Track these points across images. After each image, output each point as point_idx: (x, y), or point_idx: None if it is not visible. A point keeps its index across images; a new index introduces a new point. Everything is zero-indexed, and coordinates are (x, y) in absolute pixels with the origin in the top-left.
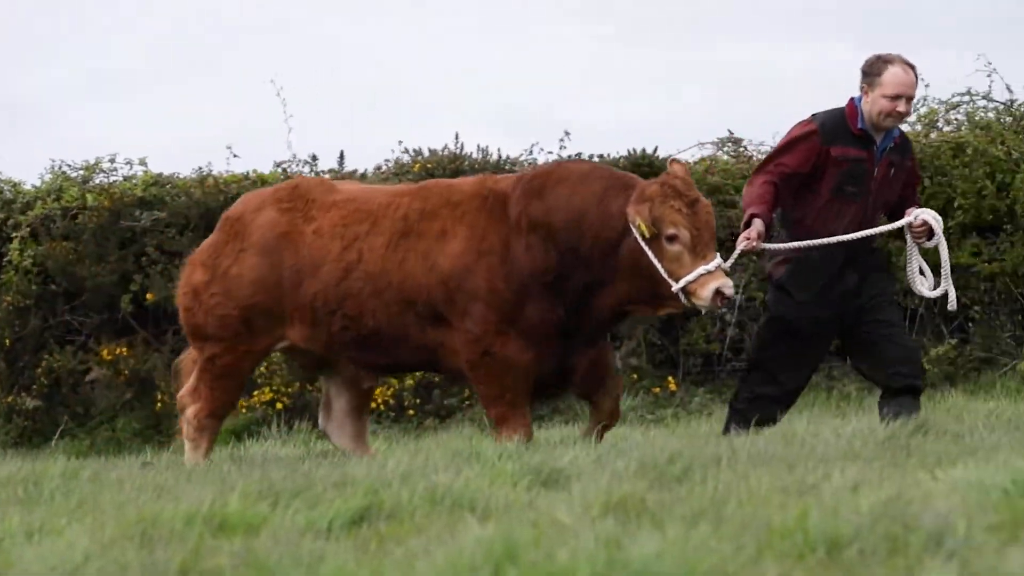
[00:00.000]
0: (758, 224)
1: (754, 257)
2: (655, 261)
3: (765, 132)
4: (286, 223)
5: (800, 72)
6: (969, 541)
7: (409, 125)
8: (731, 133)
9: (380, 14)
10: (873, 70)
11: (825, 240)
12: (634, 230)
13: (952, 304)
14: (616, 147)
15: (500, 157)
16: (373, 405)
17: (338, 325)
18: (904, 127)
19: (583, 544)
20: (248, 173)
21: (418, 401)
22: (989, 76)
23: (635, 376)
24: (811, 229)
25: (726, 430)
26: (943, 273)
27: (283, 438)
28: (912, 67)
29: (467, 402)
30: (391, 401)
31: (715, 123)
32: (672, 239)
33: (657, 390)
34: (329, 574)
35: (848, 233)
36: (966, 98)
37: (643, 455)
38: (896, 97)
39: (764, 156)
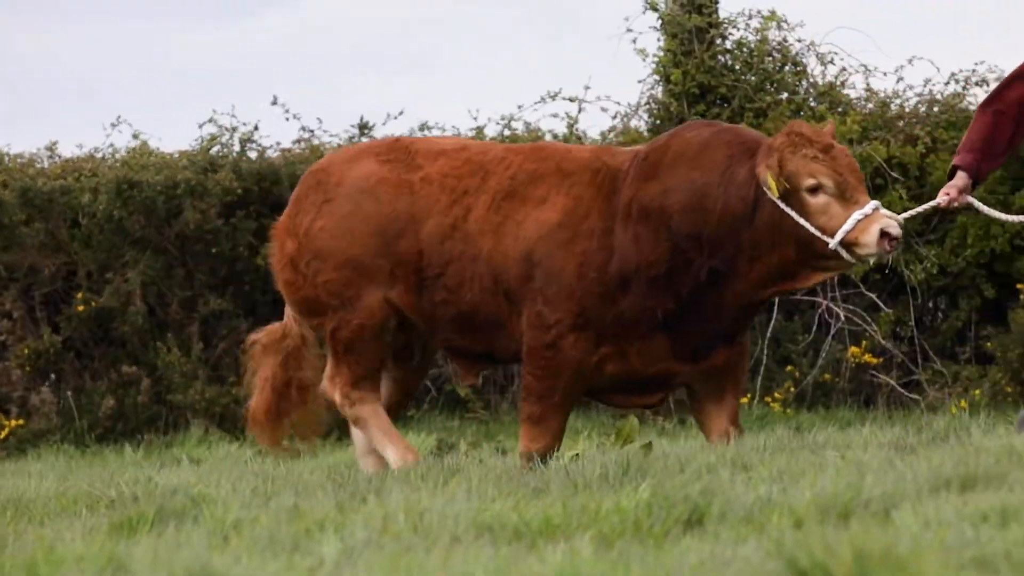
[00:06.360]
0: (960, 178)
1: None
2: (800, 219)
3: None
4: (387, 171)
5: None
6: None
7: None
8: None
9: None
10: None
11: None
12: (767, 191)
13: None
14: None
15: None
16: None
17: (440, 296)
18: None
19: None
20: None
21: None
22: None
23: None
24: None
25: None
26: None
27: None
28: None
29: None
30: None
31: None
32: (814, 190)
33: None
34: None
35: None
36: None
37: None
38: None
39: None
